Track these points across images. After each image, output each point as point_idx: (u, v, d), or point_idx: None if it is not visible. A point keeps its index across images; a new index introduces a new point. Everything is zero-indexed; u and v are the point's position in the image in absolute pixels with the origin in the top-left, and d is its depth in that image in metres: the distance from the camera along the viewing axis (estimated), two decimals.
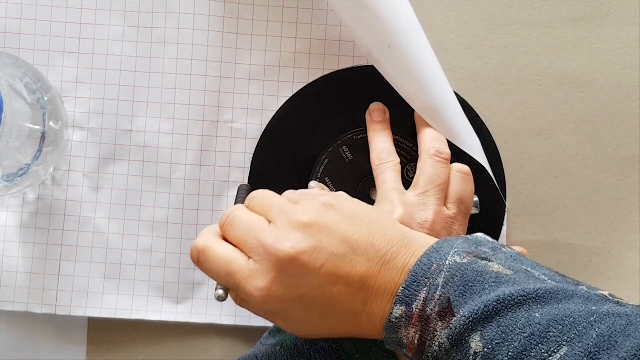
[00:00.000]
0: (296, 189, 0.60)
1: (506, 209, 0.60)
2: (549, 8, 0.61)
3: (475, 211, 0.56)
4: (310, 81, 0.60)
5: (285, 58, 0.60)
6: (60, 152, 0.58)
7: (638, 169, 0.60)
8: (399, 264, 0.42)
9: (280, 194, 0.60)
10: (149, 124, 0.60)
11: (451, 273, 0.40)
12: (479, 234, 0.45)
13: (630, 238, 0.60)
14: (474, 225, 0.56)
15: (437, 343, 0.39)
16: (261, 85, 0.60)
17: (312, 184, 0.59)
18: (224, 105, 0.60)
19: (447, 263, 0.41)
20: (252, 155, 0.60)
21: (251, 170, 0.60)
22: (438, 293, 0.40)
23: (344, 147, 0.60)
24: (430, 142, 0.55)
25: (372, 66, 0.58)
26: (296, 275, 0.42)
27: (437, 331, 0.39)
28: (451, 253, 0.41)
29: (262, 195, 0.47)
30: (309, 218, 0.43)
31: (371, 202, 0.55)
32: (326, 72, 0.60)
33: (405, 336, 0.41)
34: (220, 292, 0.44)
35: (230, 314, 0.60)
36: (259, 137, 0.60)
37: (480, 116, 0.60)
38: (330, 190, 0.59)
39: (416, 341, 0.40)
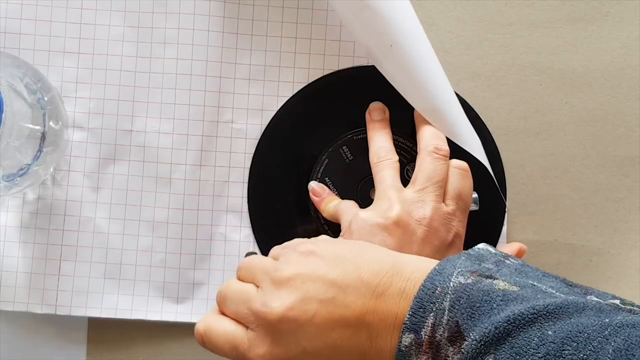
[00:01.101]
0: (296, 189, 0.61)
1: (506, 209, 0.60)
2: (549, 8, 0.61)
3: (474, 207, 0.56)
4: (310, 81, 0.60)
5: (285, 58, 0.60)
6: (61, 152, 0.58)
7: (638, 169, 0.60)
8: (394, 292, 0.41)
9: (280, 194, 0.60)
10: (149, 124, 0.60)
11: (456, 295, 0.39)
12: (481, 245, 0.44)
13: (630, 238, 0.60)
14: (474, 226, 0.56)
15: None
16: (261, 85, 0.60)
17: (312, 184, 0.59)
18: (224, 105, 0.60)
19: (452, 285, 0.40)
20: (252, 155, 0.60)
21: (251, 170, 0.60)
22: (445, 317, 0.39)
23: (344, 147, 0.60)
24: (429, 139, 0.55)
25: (372, 66, 0.58)
26: (292, 332, 0.42)
27: (449, 357, 0.39)
28: (454, 274, 0.40)
29: (247, 262, 0.47)
30: (291, 272, 0.43)
31: (371, 202, 0.55)
32: (326, 72, 0.60)
33: None
34: None
35: None
36: (259, 137, 0.60)
37: (480, 116, 0.60)
38: (331, 190, 0.59)
39: None
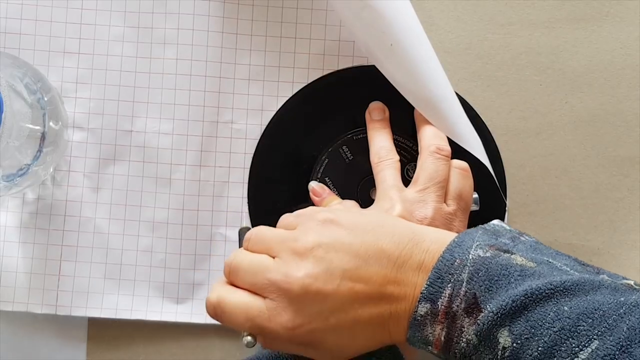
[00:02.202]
0: (296, 189, 0.61)
1: (506, 209, 0.60)
2: (549, 8, 0.61)
3: (475, 207, 0.56)
4: (310, 81, 0.60)
5: (285, 58, 0.60)
6: (60, 152, 0.58)
7: (638, 169, 0.60)
8: (414, 264, 0.42)
9: (280, 194, 0.60)
10: (149, 124, 0.60)
11: (475, 268, 0.40)
12: (495, 222, 0.45)
13: (630, 238, 0.60)
14: (475, 226, 0.55)
15: (464, 339, 0.39)
16: (261, 86, 0.60)
17: (312, 184, 0.59)
18: (223, 105, 0.60)
19: (471, 257, 0.40)
20: (252, 156, 0.60)
21: (251, 170, 0.60)
22: (463, 289, 0.39)
23: (344, 147, 0.60)
24: (431, 139, 0.55)
25: (372, 66, 0.58)
26: (316, 303, 0.42)
27: (464, 327, 0.39)
28: (473, 247, 0.41)
29: (257, 233, 0.46)
30: (312, 241, 0.43)
31: (371, 202, 0.55)
32: (326, 72, 0.60)
33: (431, 333, 0.40)
34: (249, 338, 0.44)
35: None
36: (259, 138, 0.60)
37: (480, 116, 0.60)
38: (331, 190, 0.59)
39: (442, 338, 0.40)
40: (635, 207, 0.60)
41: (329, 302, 0.42)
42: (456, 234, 0.43)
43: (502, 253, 0.41)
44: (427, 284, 0.40)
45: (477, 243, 0.41)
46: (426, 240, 0.43)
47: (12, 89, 0.52)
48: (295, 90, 0.60)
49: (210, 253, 0.60)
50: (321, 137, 0.60)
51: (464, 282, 0.40)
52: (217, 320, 0.45)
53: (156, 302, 0.60)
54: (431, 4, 0.60)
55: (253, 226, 0.60)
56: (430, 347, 0.41)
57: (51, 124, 0.55)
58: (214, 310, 0.45)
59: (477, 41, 0.61)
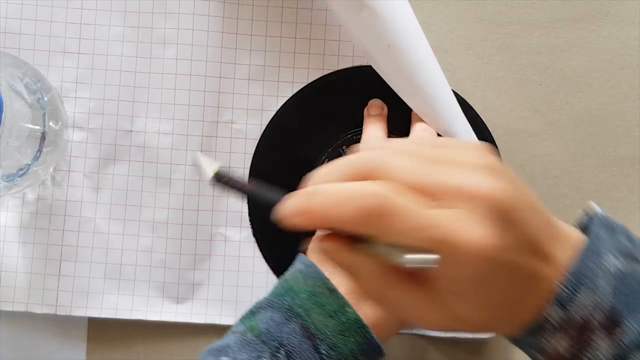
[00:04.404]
0: (296, 189, 0.60)
1: None
2: (549, 8, 0.61)
3: None
4: (310, 81, 0.60)
5: (285, 58, 0.60)
6: (60, 152, 0.58)
7: (638, 169, 0.60)
8: (552, 251, 0.36)
9: (280, 195, 0.60)
10: (149, 124, 0.60)
11: (618, 280, 0.35)
12: (595, 207, 0.39)
13: None
14: None
15: (595, 358, 0.35)
16: (261, 86, 0.60)
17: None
18: (223, 105, 0.60)
19: (611, 267, 0.35)
20: (252, 156, 0.60)
21: (251, 171, 0.60)
22: (605, 301, 0.35)
23: (344, 147, 0.60)
24: (417, 132, 0.55)
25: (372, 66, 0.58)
26: (519, 222, 0.34)
27: (597, 343, 0.35)
28: (609, 254, 0.36)
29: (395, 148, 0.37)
30: (488, 162, 0.35)
31: None
32: (326, 72, 0.60)
33: (547, 342, 0.35)
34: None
35: (230, 314, 0.60)
36: (259, 137, 0.60)
37: (480, 116, 0.60)
38: None
39: (560, 350, 0.35)
40: (635, 207, 0.60)
41: (532, 223, 0.35)
42: (579, 234, 0.37)
43: (636, 265, 0.36)
44: (562, 287, 0.35)
45: (607, 247, 0.36)
46: (560, 234, 0.37)
47: (12, 89, 0.52)
48: (295, 90, 0.60)
49: (210, 253, 0.60)
50: (321, 137, 0.60)
51: (607, 294, 0.35)
52: (375, 224, 0.33)
53: (156, 302, 0.60)
54: (431, 4, 0.60)
55: (252, 226, 0.60)
56: (538, 355, 0.36)
57: (51, 124, 0.55)
58: (378, 211, 0.33)
59: (477, 41, 0.61)
